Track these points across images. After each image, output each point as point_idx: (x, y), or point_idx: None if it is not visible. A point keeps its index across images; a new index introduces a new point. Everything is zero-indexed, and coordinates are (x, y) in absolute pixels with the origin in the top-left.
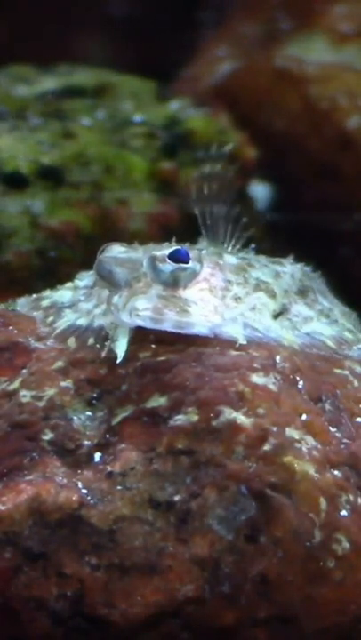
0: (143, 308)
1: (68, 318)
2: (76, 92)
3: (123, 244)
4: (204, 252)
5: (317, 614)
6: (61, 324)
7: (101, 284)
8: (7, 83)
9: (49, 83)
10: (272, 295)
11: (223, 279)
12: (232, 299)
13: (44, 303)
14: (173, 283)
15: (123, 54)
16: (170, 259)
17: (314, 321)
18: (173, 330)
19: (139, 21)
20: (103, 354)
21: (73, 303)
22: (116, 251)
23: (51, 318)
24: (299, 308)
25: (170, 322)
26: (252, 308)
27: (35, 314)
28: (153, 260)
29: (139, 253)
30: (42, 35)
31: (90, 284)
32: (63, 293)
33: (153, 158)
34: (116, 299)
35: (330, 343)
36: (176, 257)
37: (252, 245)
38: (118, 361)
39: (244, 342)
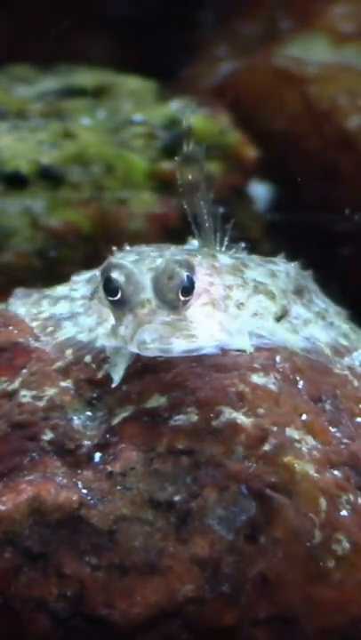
0: (151, 340)
1: (67, 330)
2: (76, 92)
3: (127, 260)
4: (199, 257)
5: (317, 614)
6: (61, 335)
7: (100, 299)
8: (7, 83)
9: (49, 83)
10: (272, 297)
11: (223, 286)
12: (235, 306)
13: (44, 315)
14: (178, 307)
15: (123, 54)
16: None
17: (312, 324)
18: (183, 355)
19: (139, 21)
20: (99, 375)
21: (72, 315)
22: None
23: (50, 329)
24: (298, 310)
25: (178, 348)
26: (255, 314)
27: (34, 324)
28: (156, 285)
29: (145, 275)
30: (42, 35)
31: (87, 294)
32: (61, 306)
33: (153, 158)
34: (122, 330)
35: (327, 351)
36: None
37: (242, 244)
38: (114, 385)
39: (252, 351)
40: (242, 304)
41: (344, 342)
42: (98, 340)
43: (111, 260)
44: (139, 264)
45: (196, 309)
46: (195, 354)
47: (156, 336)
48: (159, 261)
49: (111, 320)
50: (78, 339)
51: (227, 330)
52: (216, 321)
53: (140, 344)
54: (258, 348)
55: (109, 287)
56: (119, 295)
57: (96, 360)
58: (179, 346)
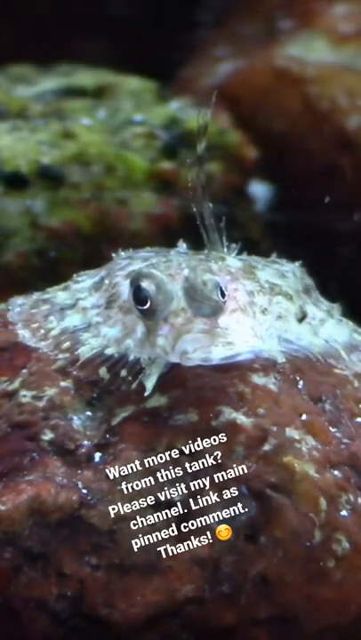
0: (193, 350)
1: (91, 345)
2: (76, 92)
3: (159, 271)
4: (216, 265)
5: (317, 614)
6: (86, 350)
7: (120, 307)
8: (7, 83)
9: (49, 83)
10: (289, 298)
11: (246, 291)
12: (260, 312)
13: (54, 332)
14: (214, 314)
15: (123, 54)
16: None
17: (327, 323)
18: (221, 363)
19: (139, 21)
20: (133, 386)
21: (88, 325)
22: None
23: (67, 344)
24: (313, 310)
25: (218, 357)
26: (279, 317)
27: (43, 344)
28: (192, 293)
29: (176, 284)
30: (42, 35)
31: (101, 303)
32: (72, 318)
33: (153, 158)
34: (160, 341)
35: (343, 354)
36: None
37: (234, 245)
38: (147, 394)
39: (283, 360)
40: (265, 309)
41: (358, 337)
42: (130, 353)
43: (141, 269)
44: (166, 272)
45: (227, 316)
46: (232, 360)
47: (198, 345)
48: (186, 270)
49: (139, 330)
50: (107, 353)
51: (259, 335)
52: (248, 326)
53: (182, 355)
54: (287, 356)
55: (139, 297)
56: (148, 304)
57: (132, 373)
58: (218, 354)
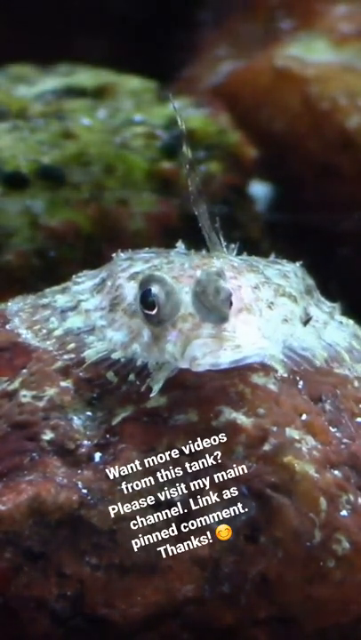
0: (202, 355)
1: (97, 348)
2: (76, 92)
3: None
4: (218, 261)
5: (317, 614)
6: (92, 354)
7: (125, 310)
8: (7, 83)
9: (49, 83)
10: (294, 300)
11: (250, 287)
12: (267, 307)
13: (57, 333)
14: (222, 319)
15: (123, 54)
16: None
17: (329, 325)
18: (230, 367)
19: (139, 21)
20: (142, 389)
21: (92, 328)
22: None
23: (72, 345)
24: (315, 311)
25: (227, 361)
26: (285, 320)
27: (47, 343)
28: (203, 300)
29: (184, 290)
30: (42, 35)
31: (104, 305)
32: (74, 320)
33: (153, 158)
34: (169, 347)
35: (346, 358)
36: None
37: (233, 246)
38: (152, 395)
39: (285, 375)
40: (272, 303)
41: (357, 346)
42: (137, 357)
43: (152, 273)
44: (170, 274)
45: (234, 317)
46: (241, 364)
47: (207, 350)
48: (198, 272)
49: (146, 334)
50: (114, 358)
51: (267, 335)
52: (254, 327)
53: (192, 361)
54: (289, 366)
55: (147, 301)
56: (155, 312)
57: (140, 378)
58: (227, 358)
